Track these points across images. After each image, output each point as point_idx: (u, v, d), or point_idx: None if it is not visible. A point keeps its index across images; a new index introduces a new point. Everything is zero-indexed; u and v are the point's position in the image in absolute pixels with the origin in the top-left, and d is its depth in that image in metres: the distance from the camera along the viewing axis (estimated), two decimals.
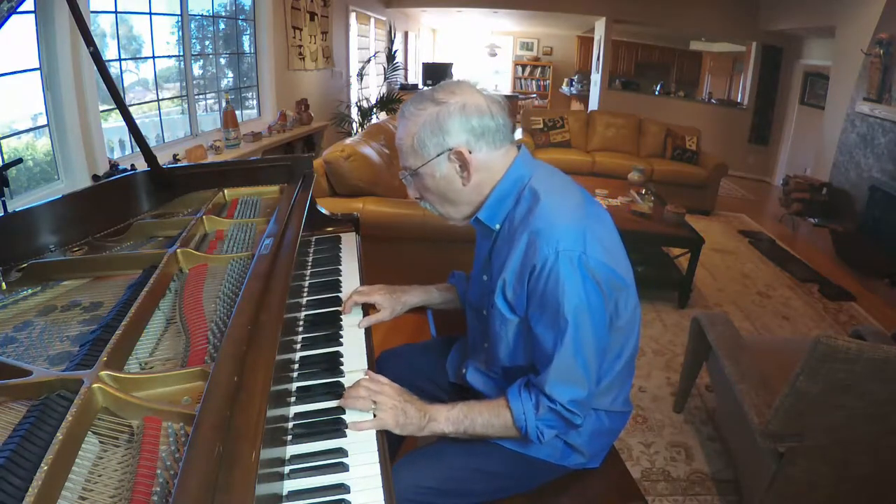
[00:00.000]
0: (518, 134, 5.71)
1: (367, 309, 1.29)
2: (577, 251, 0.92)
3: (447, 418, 1.00)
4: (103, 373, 0.76)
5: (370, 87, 7.09)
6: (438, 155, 0.98)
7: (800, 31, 5.99)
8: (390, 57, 6.74)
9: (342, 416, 0.94)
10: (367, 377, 1.01)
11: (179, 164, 2.97)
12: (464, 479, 1.06)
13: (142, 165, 1.62)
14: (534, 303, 0.96)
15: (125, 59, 3.05)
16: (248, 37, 4.32)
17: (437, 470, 1.06)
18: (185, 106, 3.61)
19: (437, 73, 8.65)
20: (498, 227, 1.04)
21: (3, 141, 2.27)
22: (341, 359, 1.09)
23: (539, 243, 0.93)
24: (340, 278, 1.41)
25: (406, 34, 9.19)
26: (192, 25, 3.57)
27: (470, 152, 0.97)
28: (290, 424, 0.92)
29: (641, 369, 2.47)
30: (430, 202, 1.07)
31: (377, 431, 0.92)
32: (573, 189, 1.06)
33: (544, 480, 1.13)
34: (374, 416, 0.95)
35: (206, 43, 3.82)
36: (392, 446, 1.29)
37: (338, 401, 0.97)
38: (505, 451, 1.08)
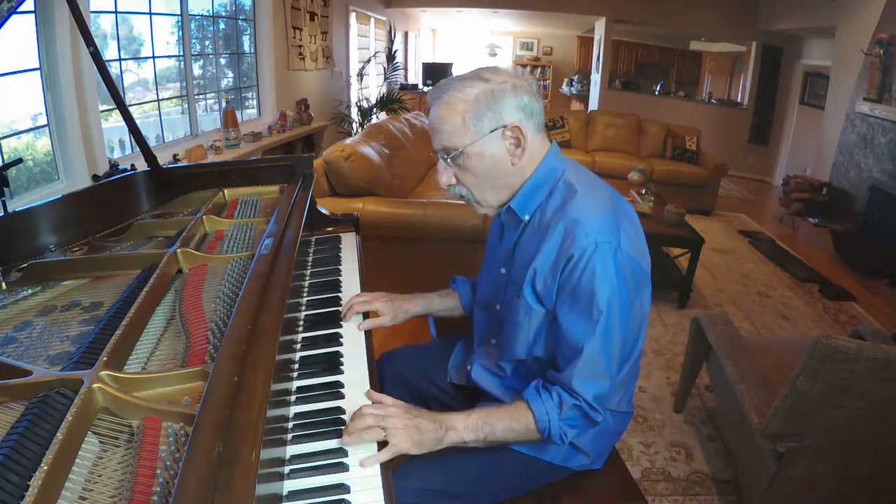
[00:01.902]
0: None
1: (368, 314, 1.28)
2: (613, 244, 0.92)
3: (466, 426, 0.95)
4: (103, 373, 0.76)
5: (370, 87, 7.08)
6: (492, 131, 0.96)
7: (800, 31, 5.99)
8: (390, 57, 6.74)
9: (342, 416, 0.93)
10: (368, 404, 0.95)
11: (179, 164, 2.97)
12: (468, 482, 1.06)
13: (142, 165, 1.62)
14: (565, 293, 0.95)
15: (125, 59, 3.05)
16: (248, 37, 4.32)
17: (442, 473, 1.05)
18: (185, 106, 3.61)
19: (437, 73, 8.64)
20: (527, 218, 1.03)
21: (3, 141, 2.27)
22: (341, 359, 1.09)
23: (577, 234, 0.92)
24: (340, 278, 1.41)
25: (406, 34, 9.19)
26: (192, 25, 3.57)
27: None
28: (290, 424, 0.91)
29: (642, 369, 2.46)
30: (469, 186, 1.02)
31: None
32: (603, 185, 1.06)
33: (547, 482, 1.13)
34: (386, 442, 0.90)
35: (206, 43, 3.82)
36: None
37: (339, 402, 0.97)
38: (510, 454, 1.07)
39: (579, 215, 0.94)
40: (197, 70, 3.71)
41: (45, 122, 2.44)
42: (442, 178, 1.03)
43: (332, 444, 0.88)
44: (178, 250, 1.18)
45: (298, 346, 1.13)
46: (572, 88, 10.10)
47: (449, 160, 0.99)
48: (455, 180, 1.03)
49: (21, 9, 1.51)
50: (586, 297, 0.92)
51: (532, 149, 1.00)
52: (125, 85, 3.09)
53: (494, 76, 0.96)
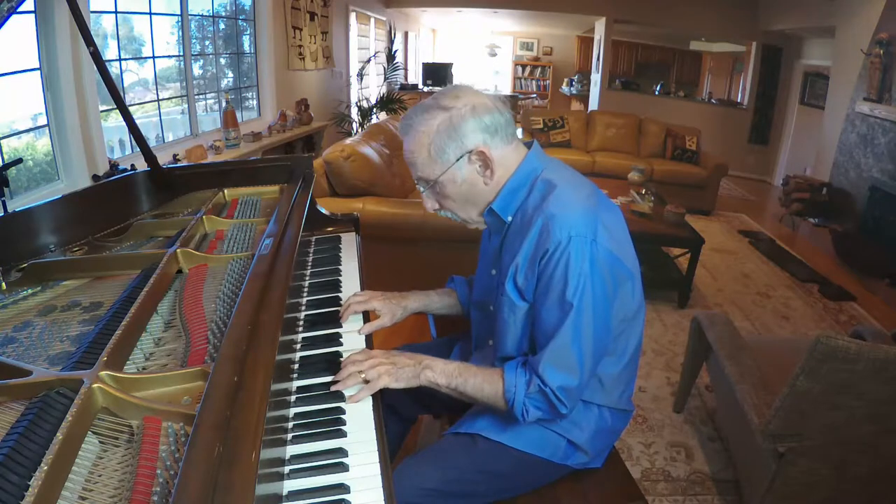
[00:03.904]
0: (518, 134, 5.72)
1: (368, 315, 1.28)
2: (589, 238, 0.94)
3: (443, 371, 1.02)
4: (103, 373, 0.76)
5: (370, 87, 7.08)
6: (458, 159, 0.99)
7: (800, 31, 5.99)
8: (390, 57, 6.74)
9: (342, 416, 0.94)
10: (354, 352, 1.05)
11: (179, 164, 2.97)
12: (467, 481, 1.06)
13: (142, 165, 1.62)
14: (542, 285, 0.97)
15: (125, 59, 3.05)
16: (248, 37, 4.32)
17: (440, 472, 1.06)
18: (185, 106, 3.61)
19: (437, 73, 8.66)
20: (510, 219, 1.05)
21: (3, 141, 2.27)
22: (341, 359, 1.08)
23: (553, 227, 0.94)
24: (340, 278, 1.41)
25: (406, 34, 9.19)
26: (192, 25, 3.57)
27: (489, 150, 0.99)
28: (290, 424, 0.92)
29: (641, 369, 2.47)
30: (452, 210, 1.07)
31: (377, 432, 0.92)
32: (584, 181, 1.08)
33: (547, 481, 1.14)
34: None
35: (206, 43, 3.82)
36: (392, 447, 1.29)
37: (339, 402, 0.97)
38: (508, 452, 1.08)
39: (556, 210, 0.96)
40: (197, 70, 3.71)
41: (45, 122, 2.44)
42: (427, 204, 1.08)
43: (332, 444, 0.88)
44: (178, 250, 1.18)
45: (298, 346, 1.13)
46: (572, 88, 10.11)
47: (427, 189, 1.04)
48: (438, 205, 1.07)
49: (21, 9, 1.51)
50: (559, 289, 0.95)
51: (505, 161, 1.03)
52: (125, 85, 3.09)
53: (453, 101, 0.98)
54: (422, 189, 1.05)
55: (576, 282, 0.93)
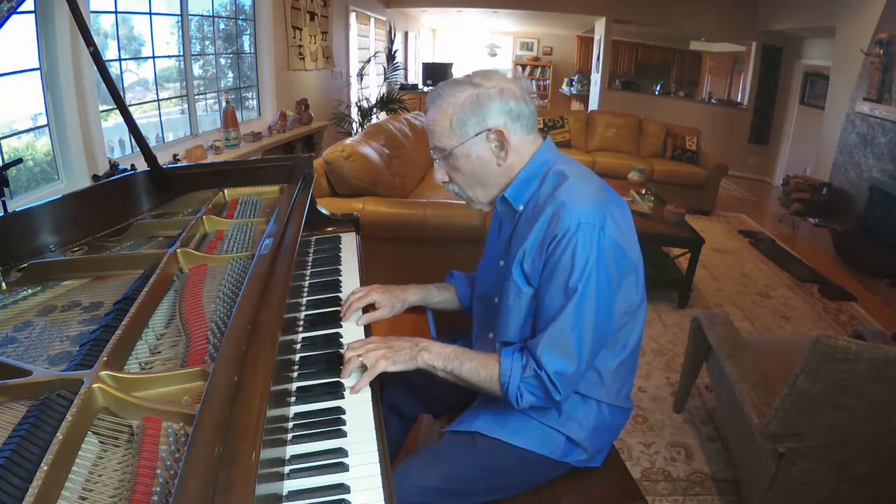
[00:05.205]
0: None
1: (367, 308, 1.28)
2: (598, 226, 0.96)
3: (440, 353, 1.03)
4: (103, 373, 0.76)
5: (370, 87, 7.08)
6: (477, 134, 1.01)
7: (800, 31, 5.99)
8: (390, 57, 6.74)
9: (342, 416, 0.93)
10: (353, 341, 1.06)
11: (179, 164, 2.97)
12: (467, 479, 1.07)
13: (142, 165, 1.62)
14: (548, 269, 0.99)
15: (125, 59, 3.05)
16: (248, 37, 4.32)
17: (440, 470, 1.06)
18: (185, 106, 3.61)
19: (437, 73, 8.65)
20: (521, 208, 1.07)
21: (3, 141, 2.27)
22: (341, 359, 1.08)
23: (563, 215, 0.97)
24: (340, 278, 1.41)
25: (406, 34, 9.19)
26: (192, 25, 3.57)
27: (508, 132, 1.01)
28: (290, 424, 0.91)
29: (641, 369, 2.47)
30: (459, 184, 1.09)
31: (377, 432, 0.92)
32: (593, 176, 1.10)
33: (547, 478, 1.14)
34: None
35: (206, 43, 3.82)
36: (392, 447, 1.29)
37: (339, 402, 0.97)
38: (508, 449, 1.08)
39: (566, 198, 0.98)
40: (197, 70, 3.71)
41: (45, 122, 2.44)
42: (437, 175, 1.10)
43: (332, 444, 0.88)
44: (178, 250, 1.18)
45: (298, 346, 1.13)
46: (572, 88, 10.10)
47: (440, 159, 1.06)
48: (448, 178, 1.09)
49: (21, 9, 1.51)
50: (563, 274, 0.96)
51: (520, 149, 1.05)
52: (125, 85, 3.09)
53: (485, 81, 1.02)
54: (436, 158, 1.07)
55: (581, 268, 0.95)
